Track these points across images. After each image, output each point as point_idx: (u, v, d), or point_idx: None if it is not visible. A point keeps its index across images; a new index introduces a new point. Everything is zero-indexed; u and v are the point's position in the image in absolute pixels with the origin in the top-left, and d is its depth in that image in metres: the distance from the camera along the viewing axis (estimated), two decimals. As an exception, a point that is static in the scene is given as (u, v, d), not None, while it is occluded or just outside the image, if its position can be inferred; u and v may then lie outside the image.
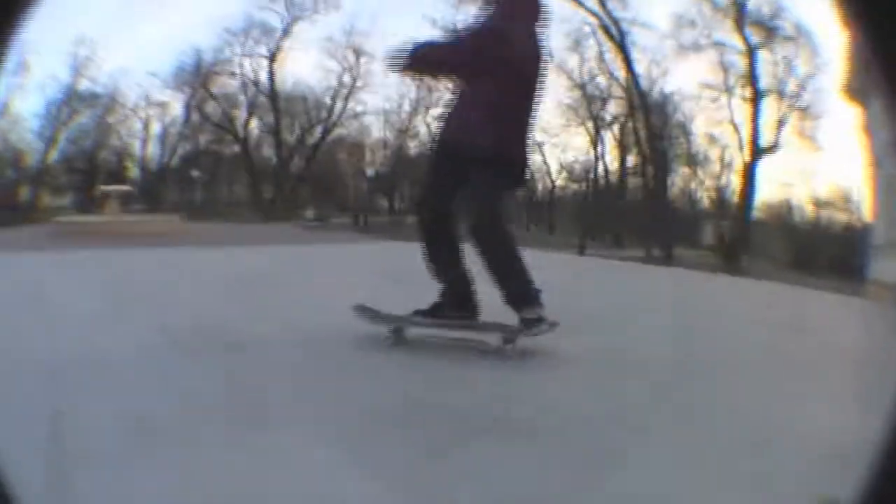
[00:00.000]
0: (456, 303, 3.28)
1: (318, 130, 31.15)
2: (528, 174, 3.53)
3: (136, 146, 33.08)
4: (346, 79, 30.44)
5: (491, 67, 2.96)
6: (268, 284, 5.87)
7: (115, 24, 32.87)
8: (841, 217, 25.09)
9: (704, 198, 29.11)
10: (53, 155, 31.48)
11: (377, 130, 31.03)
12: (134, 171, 32.43)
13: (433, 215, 3.27)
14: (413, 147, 30.08)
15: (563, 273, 6.98)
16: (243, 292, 5.36)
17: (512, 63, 2.99)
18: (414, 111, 29.55)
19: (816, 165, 25.83)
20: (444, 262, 3.27)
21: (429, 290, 3.23)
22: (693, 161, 28.25)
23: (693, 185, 28.89)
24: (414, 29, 26.45)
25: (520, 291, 3.07)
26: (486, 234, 3.07)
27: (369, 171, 31.60)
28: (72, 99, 30.37)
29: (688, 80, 27.52)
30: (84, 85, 30.24)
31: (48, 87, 29.02)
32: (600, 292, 6.17)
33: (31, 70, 27.10)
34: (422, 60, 3.26)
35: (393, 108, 29.88)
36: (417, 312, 3.34)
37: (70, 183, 32.89)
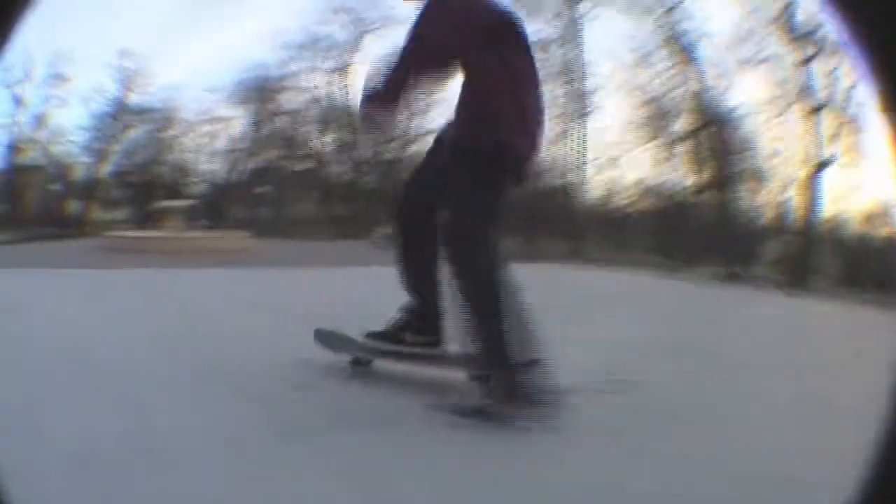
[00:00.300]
0: (418, 325, 2.91)
1: (393, 146, 29.50)
2: (528, 169, 2.88)
3: (196, 161, 32.65)
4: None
5: (437, 64, 2.75)
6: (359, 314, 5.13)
7: (165, 38, 33.85)
8: (884, 231, 24.24)
9: (766, 214, 28.11)
10: (104, 168, 31.17)
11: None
12: (195, 187, 31.83)
13: (411, 215, 2.97)
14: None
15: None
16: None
17: (455, 52, 2.69)
18: None
19: (862, 179, 25.04)
20: (418, 271, 2.91)
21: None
22: (757, 176, 27.46)
23: (755, 201, 27.94)
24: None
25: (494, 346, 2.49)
26: (458, 248, 2.60)
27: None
28: (122, 112, 30.14)
29: (747, 94, 26.80)
30: (135, 99, 30.11)
31: (93, 99, 28.99)
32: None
33: (71, 82, 27.57)
34: (379, 103, 2.94)
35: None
36: (372, 335, 3.02)
37: (124, 197, 32.34)
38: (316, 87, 30.40)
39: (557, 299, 6.41)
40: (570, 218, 24.92)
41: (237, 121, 31.42)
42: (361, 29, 29.01)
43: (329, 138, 30.90)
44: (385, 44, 28.08)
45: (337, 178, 31.16)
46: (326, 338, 3.18)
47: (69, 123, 30.27)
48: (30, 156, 29.36)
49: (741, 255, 21.73)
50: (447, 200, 2.71)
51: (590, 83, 24.91)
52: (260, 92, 30.33)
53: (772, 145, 25.43)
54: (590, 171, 25.00)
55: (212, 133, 31.78)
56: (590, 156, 24.84)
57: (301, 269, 10.87)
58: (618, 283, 10.61)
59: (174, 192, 28.48)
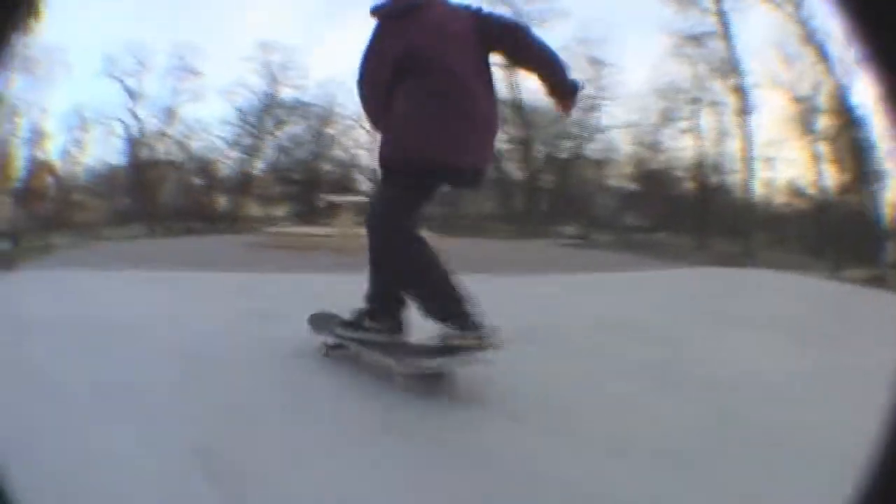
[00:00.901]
0: (376, 312, 3.24)
1: (568, 144, 28.68)
2: (458, 173, 3.22)
3: (361, 158, 30.97)
4: (589, 91, 26.07)
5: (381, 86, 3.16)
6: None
7: (313, 29, 33.25)
8: None
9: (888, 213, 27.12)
10: (256, 164, 30.65)
11: (622, 144, 28.17)
12: (361, 185, 30.12)
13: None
14: (660, 162, 27.35)
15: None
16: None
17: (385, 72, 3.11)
18: (661, 124, 26.65)
19: None
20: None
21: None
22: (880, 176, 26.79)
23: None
24: (646, 34, 25.78)
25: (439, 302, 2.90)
26: (371, 230, 3.19)
27: (616, 186, 29.21)
28: (273, 107, 29.66)
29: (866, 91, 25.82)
30: (287, 93, 29.44)
31: (234, 94, 28.45)
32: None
33: (202, 76, 27.08)
34: (373, 127, 3.56)
35: (635, 121, 26.98)
36: (340, 321, 3.33)
37: (283, 193, 31.72)
38: None
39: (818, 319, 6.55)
40: (739, 218, 24.00)
41: None
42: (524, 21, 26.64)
43: (501, 133, 29.46)
44: (547, 37, 30.12)
45: (511, 175, 29.70)
46: (317, 321, 3.58)
47: (207, 118, 29.37)
48: (161, 150, 28.83)
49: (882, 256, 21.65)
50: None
51: (747, 79, 23.63)
52: None
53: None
54: (753, 169, 23.83)
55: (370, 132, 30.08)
56: (754, 153, 23.63)
57: (489, 272, 9.87)
58: (826, 294, 9.90)
59: (338, 188, 26.96)
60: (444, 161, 2.98)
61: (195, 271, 8.91)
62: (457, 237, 19.44)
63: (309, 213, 29.68)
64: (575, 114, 21.99)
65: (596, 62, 26.86)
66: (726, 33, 23.30)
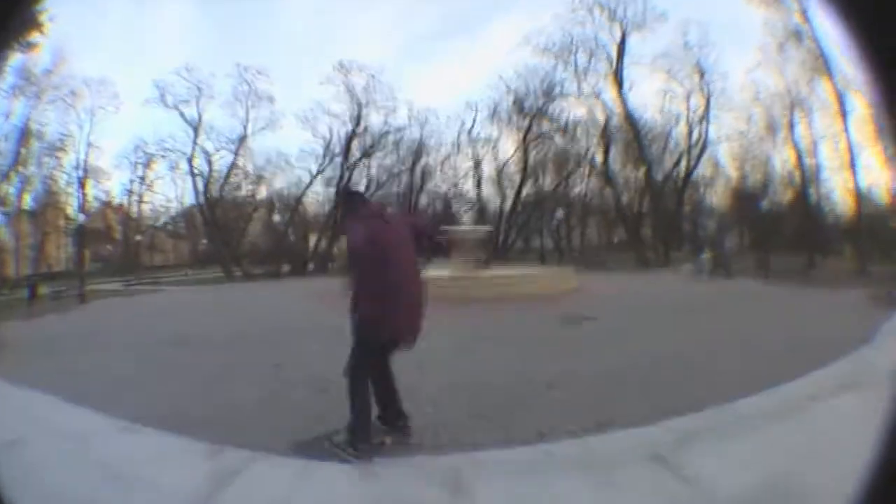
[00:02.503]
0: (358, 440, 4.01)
1: (681, 162, 26.86)
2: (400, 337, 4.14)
3: (462, 188, 30.19)
4: (694, 102, 26.18)
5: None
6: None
7: (403, 50, 33.87)
8: None
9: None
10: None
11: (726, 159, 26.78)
12: (464, 216, 29.09)
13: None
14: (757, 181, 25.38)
15: None
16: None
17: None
18: (765, 137, 24.77)
19: None
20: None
21: None
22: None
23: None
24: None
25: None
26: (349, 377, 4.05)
27: (718, 207, 27.60)
28: (360, 134, 27.72)
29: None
30: (374, 119, 27.61)
31: (317, 120, 26.98)
32: None
33: (274, 102, 26.13)
34: None
35: (736, 135, 25.65)
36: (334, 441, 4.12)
37: None
38: (586, 97, 26.96)
39: None
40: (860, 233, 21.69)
41: (503, 142, 28.89)
42: (623, 28, 26.13)
43: (612, 155, 27.64)
44: (650, 44, 27.78)
45: (627, 202, 28.01)
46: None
47: (286, 148, 29.05)
48: (240, 186, 27.68)
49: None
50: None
51: (842, 80, 21.21)
52: (526, 108, 27.62)
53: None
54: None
55: (475, 157, 29.47)
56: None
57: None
58: None
59: (440, 221, 24.92)
60: (398, 339, 4.12)
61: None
62: (583, 272, 18.75)
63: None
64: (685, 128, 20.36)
65: (700, 69, 25.95)
66: (814, 34, 22.11)
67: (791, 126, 23.87)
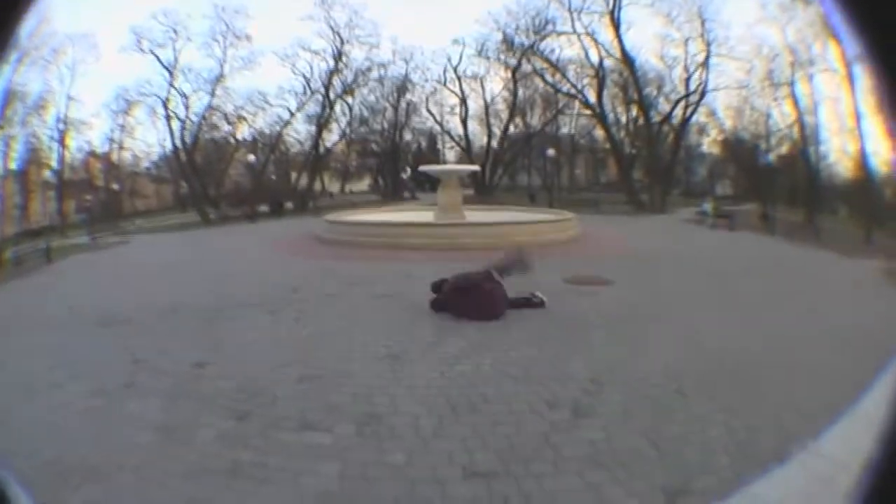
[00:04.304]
0: None
1: (677, 108, 25.89)
2: None
3: (450, 125, 29.33)
4: (693, 48, 25.29)
5: None
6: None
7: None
8: None
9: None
10: (327, 137, 28.35)
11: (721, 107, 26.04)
12: (449, 154, 29.16)
13: None
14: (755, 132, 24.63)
15: None
16: None
17: None
18: (765, 90, 23.96)
19: None
20: None
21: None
22: None
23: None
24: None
25: None
26: None
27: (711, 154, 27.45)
28: (341, 70, 27.18)
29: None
30: (357, 56, 27.04)
31: (297, 58, 26.66)
32: None
33: (252, 40, 25.47)
34: None
35: (735, 85, 24.69)
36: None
37: (363, 166, 30.04)
38: (580, 36, 25.93)
39: None
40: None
41: (491, 78, 28.36)
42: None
43: (605, 95, 26.66)
44: None
45: (620, 143, 27.27)
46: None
47: (266, 88, 29.97)
48: (220, 127, 27.34)
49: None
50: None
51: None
52: (516, 45, 26.66)
53: None
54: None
55: (462, 93, 28.55)
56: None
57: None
58: None
59: (423, 160, 25.50)
60: None
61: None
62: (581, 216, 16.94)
63: (393, 187, 28.91)
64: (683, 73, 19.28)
65: (701, 15, 24.87)
66: (821, -1, 20.87)
67: (792, 84, 23.27)
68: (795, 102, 23.38)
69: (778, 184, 23.84)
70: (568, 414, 3.82)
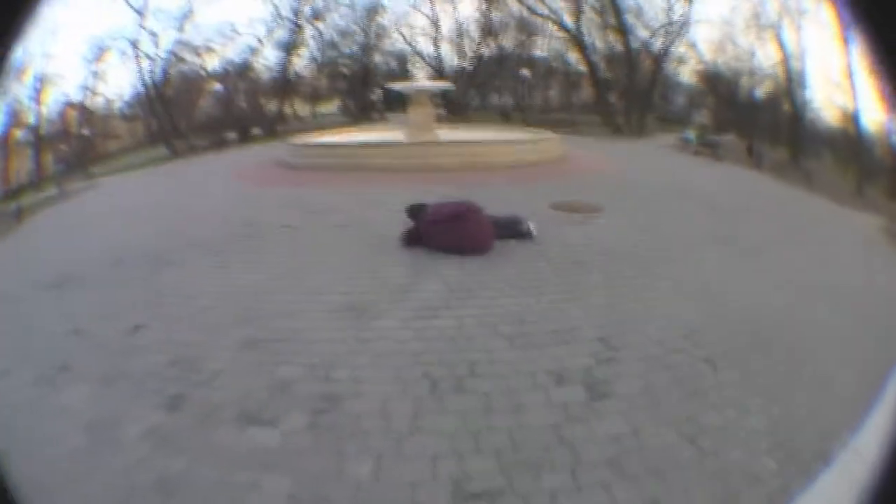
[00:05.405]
0: None
1: (658, 36, 25.33)
2: None
3: (421, 47, 29.18)
4: None
5: None
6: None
7: None
8: None
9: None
10: (298, 62, 28.30)
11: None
12: (424, 73, 28.04)
13: None
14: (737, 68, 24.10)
15: None
16: None
17: None
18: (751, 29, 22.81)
19: None
20: None
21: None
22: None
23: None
24: None
25: None
26: None
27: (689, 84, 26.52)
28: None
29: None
30: None
31: None
32: None
33: None
34: None
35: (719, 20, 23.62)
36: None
37: (334, 90, 29.43)
38: None
39: None
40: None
41: (463, 1, 27.76)
42: None
43: (582, 20, 26.15)
44: None
45: (596, 67, 26.88)
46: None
47: (235, 18, 26.83)
48: (189, 62, 26.89)
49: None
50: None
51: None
52: None
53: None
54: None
55: (434, 15, 28.34)
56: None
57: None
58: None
59: (395, 81, 24.27)
60: None
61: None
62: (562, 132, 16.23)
63: (362, 109, 28.03)
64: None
65: None
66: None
67: (779, 28, 21.85)
68: (782, 46, 22.22)
69: (758, 120, 22.98)
70: (581, 393, 3.02)
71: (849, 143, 20.01)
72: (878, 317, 4.40)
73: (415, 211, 5.97)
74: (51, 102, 24.06)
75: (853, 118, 19.93)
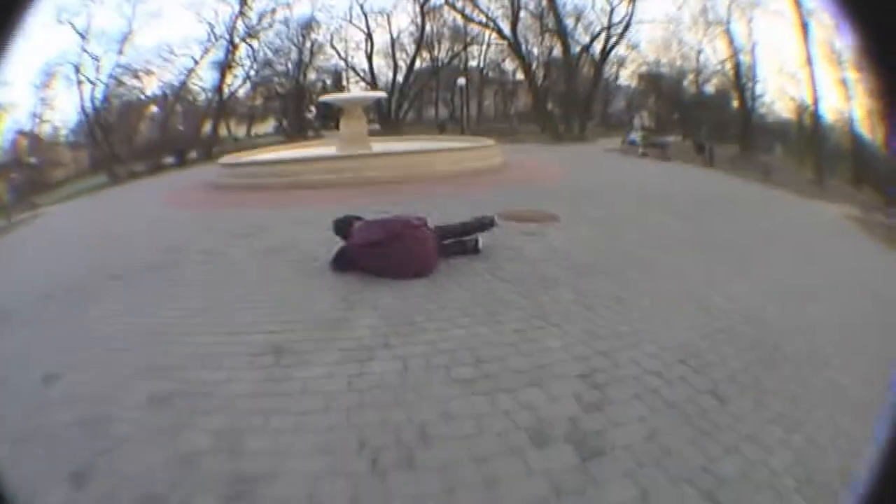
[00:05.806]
0: None
1: (598, 39, 25.41)
2: None
3: (354, 61, 29.28)
4: None
5: None
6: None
7: None
8: None
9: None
10: (232, 82, 28.32)
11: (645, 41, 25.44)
12: (355, 88, 28.46)
13: None
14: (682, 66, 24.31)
15: None
16: None
17: None
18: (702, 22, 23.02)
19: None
20: None
21: None
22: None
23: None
24: None
25: None
26: None
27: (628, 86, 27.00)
28: (245, 14, 27.03)
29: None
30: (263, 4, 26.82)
31: (201, 5, 25.80)
32: None
33: None
34: None
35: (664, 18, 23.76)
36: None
37: (269, 109, 29.54)
38: None
39: None
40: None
41: (397, 15, 28.47)
42: None
43: (519, 27, 26.29)
44: None
45: (535, 74, 26.99)
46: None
47: (172, 40, 27.00)
48: (128, 86, 26.75)
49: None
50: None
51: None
52: None
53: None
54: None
55: (368, 29, 28.34)
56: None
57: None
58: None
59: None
60: None
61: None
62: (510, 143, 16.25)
63: (298, 127, 27.94)
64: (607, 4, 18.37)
65: None
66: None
67: (728, 23, 22.16)
68: (731, 41, 22.54)
69: (705, 118, 23.28)
70: (569, 454, 2.28)
71: (805, 134, 20.18)
72: (875, 312, 4.14)
73: (341, 226, 5.16)
74: (4, 131, 24.03)
75: (811, 108, 20.17)
